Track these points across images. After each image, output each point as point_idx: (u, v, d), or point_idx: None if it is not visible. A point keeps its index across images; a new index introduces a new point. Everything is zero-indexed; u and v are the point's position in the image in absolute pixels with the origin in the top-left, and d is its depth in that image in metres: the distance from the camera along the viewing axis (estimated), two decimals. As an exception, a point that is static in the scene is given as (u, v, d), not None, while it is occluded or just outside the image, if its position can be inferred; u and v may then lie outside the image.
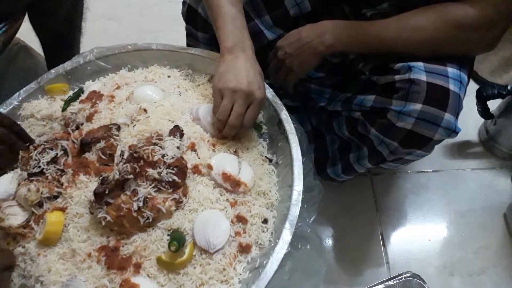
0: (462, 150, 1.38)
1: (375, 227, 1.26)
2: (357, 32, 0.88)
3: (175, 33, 1.34)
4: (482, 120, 1.34)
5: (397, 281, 1.11)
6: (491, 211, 1.25)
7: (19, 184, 0.80)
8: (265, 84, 0.87)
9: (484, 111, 1.26)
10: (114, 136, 0.81)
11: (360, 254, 1.20)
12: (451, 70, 0.82)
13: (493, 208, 1.25)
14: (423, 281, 1.10)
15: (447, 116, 0.79)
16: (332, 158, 1.16)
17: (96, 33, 1.74)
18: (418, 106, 0.79)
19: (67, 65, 1.01)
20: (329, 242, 1.23)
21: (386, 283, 1.10)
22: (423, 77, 0.80)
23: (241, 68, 0.82)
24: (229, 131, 0.84)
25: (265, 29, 1.05)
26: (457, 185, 1.31)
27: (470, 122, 1.41)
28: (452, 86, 0.80)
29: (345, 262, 1.19)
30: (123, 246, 0.72)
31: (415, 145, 0.86)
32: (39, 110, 0.96)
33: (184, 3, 1.07)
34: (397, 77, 0.84)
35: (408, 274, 1.12)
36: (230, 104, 0.81)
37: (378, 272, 1.18)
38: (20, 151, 0.82)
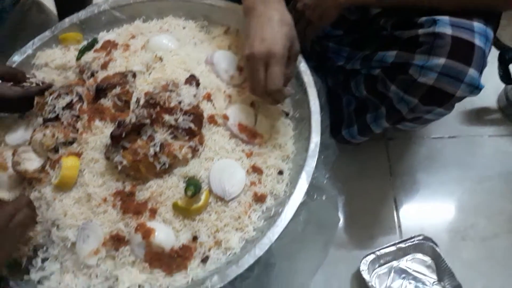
0: (480, 116, 1.35)
1: (388, 192, 1.24)
2: None
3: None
4: (502, 86, 1.31)
5: (409, 243, 1.10)
6: (507, 178, 1.23)
7: (34, 130, 0.79)
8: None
9: (505, 76, 1.23)
10: (130, 83, 0.80)
11: (372, 217, 1.20)
12: (477, 25, 0.79)
13: (510, 175, 1.23)
14: (435, 244, 1.10)
15: (471, 71, 0.77)
16: (347, 119, 1.14)
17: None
18: (441, 60, 0.77)
19: (81, 14, 0.99)
20: (341, 204, 1.22)
21: (398, 245, 1.10)
22: (448, 30, 0.77)
23: (256, 28, 0.74)
24: (262, 98, 0.78)
25: None
26: (474, 151, 1.29)
27: (489, 88, 1.36)
28: (477, 41, 0.77)
29: (357, 225, 1.18)
30: (138, 192, 0.72)
31: (436, 102, 0.83)
32: (53, 59, 0.94)
33: None
34: (420, 31, 0.81)
35: (420, 237, 1.12)
36: (251, 72, 0.74)
37: (389, 236, 1.17)
38: (36, 97, 0.81)
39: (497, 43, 1.46)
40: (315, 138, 0.77)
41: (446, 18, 0.78)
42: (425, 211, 1.21)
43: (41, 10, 1.45)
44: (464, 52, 0.76)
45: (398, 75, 0.86)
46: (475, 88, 0.78)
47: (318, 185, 0.74)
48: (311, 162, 0.74)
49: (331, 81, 1.22)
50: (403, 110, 0.89)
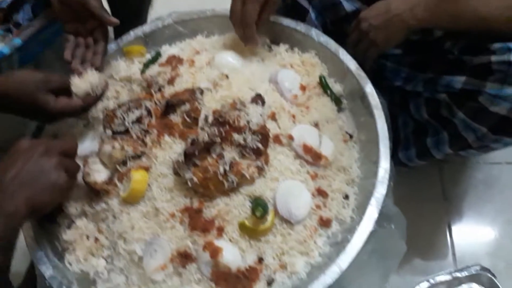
0: (540, 143, 1.30)
1: (442, 217, 1.21)
2: (455, 7, 0.81)
3: None
4: None
5: (466, 273, 1.06)
6: None
7: (103, 142, 0.81)
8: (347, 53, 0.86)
9: None
10: (199, 100, 0.80)
11: (425, 242, 1.17)
12: None
13: None
14: (493, 275, 1.05)
15: None
16: (404, 141, 1.11)
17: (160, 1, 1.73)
18: None
19: (146, 28, 1.00)
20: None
21: (453, 274, 1.06)
22: None
23: None
24: (237, 30, 0.89)
25: (344, 1, 1.00)
26: (534, 179, 1.24)
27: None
28: None
29: (410, 250, 1.13)
30: (206, 209, 0.72)
31: (507, 132, 0.80)
32: (118, 71, 0.96)
33: None
34: (493, 58, 0.78)
35: (477, 267, 1.07)
36: (232, 4, 0.86)
37: (443, 262, 1.14)
38: (105, 110, 0.83)
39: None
40: (385, 164, 0.75)
41: None
42: (481, 239, 1.17)
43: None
44: None
45: (467, 102, 0.84)
46: None
47: (387, 212, 0.72)
48: (381, 189, 0.72)
49: (387, 101, 1.19)
50: (469, 138, 0.86)
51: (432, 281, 1.05)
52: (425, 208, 1.21)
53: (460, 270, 1.07)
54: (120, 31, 1.04)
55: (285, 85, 0.87)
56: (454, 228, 1.18)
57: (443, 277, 1.06)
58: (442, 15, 0.82)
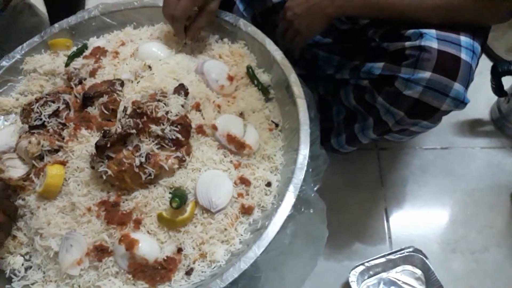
0: (473, 128, 1.35)
1: (380, 202, 1.24)
2: None
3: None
4: (495, 98, 1.31)
5: (399, 255, 1.10)
6: (498, 191, 1.23)
7: (20, 137, 0.78)
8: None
9: (498, 88, 1.23)
10: (118, 92, 0.79)
11: (362, 228, 1.19)
12: (464, 39, 0.78)
13: (501, 188, 1.23)
14: (425, 256, 1.09)
15: (456, 86, 0.76)
16: (337, 128, 1.13)
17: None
18: (427, 74, 0.76)
19: (71, 19, 0.98)
20: (331, 214, 1.22)
21: (387, 257, 1.10)
22: (434, 44, 0.77)
23: None
24: (168, 22, 0.89)
25: None
26: (465, 163, 1.29)
27: (482, 100, 1.37)
28: (464, 55, 0.77)
29: (347, 235, 1.18)
30: (123, 202, 0.71)
31: (422, 115, 0.83)
32: (41, 65, 0.94)
33: None
34: (407, 43, 0.80)
35: (410, 249, 1.11)
36: None
37: (380, 247, 1.17)
38: (23, 104, 0.81)
39: (490, 54, 1.47)
40: (304, 150, 0.76)
41: (433, 31, 0.78)
42: (416, 222, 1.21)
43: (33, 13, 1.43)
44: (450, 67, 0.76)
45: (385, 87, 0.86)
46: (461, 103, 0.78)
47: (306, 198, 0.73)
48: (299, 175, 0.73)
49: (322, 90, 1.21)
50: (389, 122, 0.88)
51: (367, 264, 1.08)
52: (364, 194, 1.24)
53: (394, 253, 1.10)
54: (57, 21, 1.01)
55: (211, 75, 0.86)
56: (391, 213, 1.22)
57: (378, 260, 1.09)
58: (358, 3, 0.84)
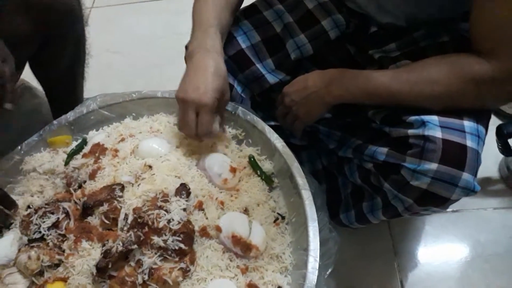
0: (483, 187, 1.30)
1: (394, 273, 1.19)
2: (366, 83, 0.82)
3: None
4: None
5: (420, 335, 1.04)
6: (517, 255, 1.18)
7: (19, 250, 0.76)
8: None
9: (504, 148, 1.20)
10: (118, 198, 0.77)
11: (378, 303, 1.14)
12: (467, 124, 0.76)
13: (519, 251, 1.18)
14: (448, 335, 1.03)
15: (465, 175, 0.74)
16: (345, 202, 1.10)
17: (101, 67, 1.71)
18: (433, 166, 0.74)
19: (70, 115, 0.97)
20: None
21: (408, 338, 1.04)
22: (438, 133, 0.75)
23: (191, 75, 0.82)
24: (192, 140, 0.88)
25: (266, 73, 1.01)
26: (479, 226, 1.24)
27: (490, 158, 1.35)
28: (469, 142, 0.75)
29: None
30: (127, 323, 0.67)
31: (431, 203, 0.81)
32: (41, 164, 0.92)
33: None
34: (410, 132, 0.78)
35: (432, 326, 1.05)
36: (182, 114, 0.83)
37: (399, 323, 1.11)
38: (22, 215, 0.79)
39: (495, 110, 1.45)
40: (314, 251, 0.73)
41: (435, 118, 0.76)
42: (434, 294, 1.15)
43: (33, 95, 1.45)
44: (457, 156, 0.74)
45: (391, 174, 0.84)
46: (471, 191, 0.76)
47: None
48: (312, 280, 0.70)
49: (325, 161, 1.19)
50: (398, 207, 0.86)
51: None
52: (376, 265, 1.19)
53: (415, 332, 1.04)
54: (57, 110, 1.01)
55: (213, 170, 0.85)
56: (407, 284, 1.16)
57: None
58: (356, 92, 0.83)
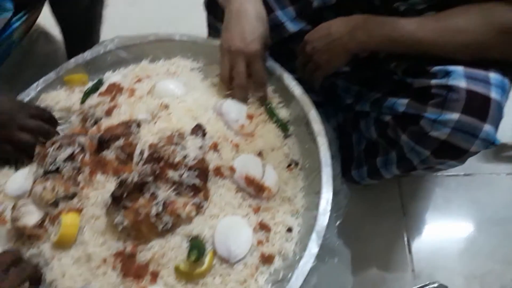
0: (497, 153, 1.30)
1: (401, 233, 1.20)
2: (392, 30, 0.80)
3: (197, 21, 1.28)
4: (520, 122, 1.26)
5: (424, 291, 1.06)
6: (526, 220, 1.18)
7: (34, 181, 0.77)
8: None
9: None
10: (134, 134, 0.77)
11: (384, 260, 1.15)
12: (493, 76, 0.74)
13: (529, 217, 1.18)
14: (451, 292, 1.04)
15: (487, 127, 0.73)
16: (357, 159, 1.10)
17: (116, 19, 1.68)
18: (455, 116, 0.73)
19: (87, 54, 0.97)
20: (351, 245, 1.18)
21: (412, 293, 1.05)
22: (462, 83, 0.73)
23: (233, 23, 0.80)
24: (238, 93, 0.85)
25: (287, 21, 0.98)
26: (491, 190, 1.24)
27: (506, 124, 1.30)
28: (493, 94, 0.73)
29: (368, 268, 1.13)
30: (140, 253, 0.68)
31: (449, 156, 0.79)
32: (57, 102, 0.92)
33: None
34: (433, 81, 0.76)
35: (435, 285, 1.06)
36: (228, 63, 0.82)
37: (402, 280, 1.12)
38: (37, 147, 0.79)
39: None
40: (326, 194, 0.73)
41: (460, 69, 0.74)
42: (440, 254, 1.16)
43: (48, 40, 1.44)
44: (480, 107, 0.72)
45: (409, 125, 0.83)
46: (491, 144, 0.74)
47: (330, 246, 0.70)
48: (322, 221, 0.70)
49: (341, 117, 1.18)
50: (414, 160, 0.85)
51: (391, 301, 1.04)
52: (384, 224, 1.20)
53: (419, 288, 1.06)
54: (73, 55, 1.00)
55: (231, 115, 0.84)
56: (413, 244, 1.17)
57: (402, 296, 1.05)
58: (381, 39, 0.80)
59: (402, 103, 0.83)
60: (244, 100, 0.87)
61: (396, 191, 1.26)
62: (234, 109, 0.84)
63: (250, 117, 0.85)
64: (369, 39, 0.81)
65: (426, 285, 1.06)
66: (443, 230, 1.19)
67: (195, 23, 1.23)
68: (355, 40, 0.83)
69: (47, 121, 0.84)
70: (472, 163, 1.27)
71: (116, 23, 1.62)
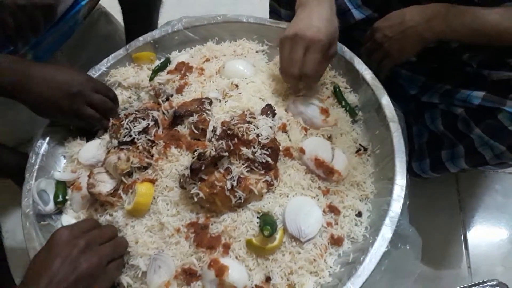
0: None
1: (458, 228, 1.17)
2: (473, 21, 0.77)
3: (251, 6, 1.28)
4: None
5: (482, 289, 1.02)
6: None
7: (108, 152, 0.79)
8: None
9: None
10: (207, 111, 0.78)
11: (440, 255, 1.13)
12: None
13: None
14: (511, 292, 1.01)
15: None
16: (418, 151, 1.07)
17: (171, 2, 1.71)
18: None
19: (156, 33, 0.98)
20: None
21: (469, 290, 1.03)
22: None
23: (303, 17, 0.76)
24: (287, 79, 0.80)
25: (353, 8, 0.96)
26: (554, 190, 1.19)
27: None
28: None
29: (424, 263, 1.11)
30: (212, 224, 0.70)
31: None
32: (126, 78, 0.95)
33: None
34: None
35: (494, 282, 1.03)
36: (288, 51, 0.76)
37: (459, 276, 1.10)
38: (111, 119, 0.82)
39: None
40: (401, 181, 0.72)
41: None
42: (498, 252, 1.13)
43: (108, 21, 1.47)
44: None
45: (485, 119, 0.80)
46: None
47: (403, 233, 0.69)
48: (396, 208, 0.69)
49: (402, 108, 1.15)
50: (487, 155, 0.82)
51: (446, 297, 1.02)
52: (441, 218, 1.17)
53: (476, 285, 1.03)
54: (131, 34, 1.02)
55: (308, 113, 0.82)
56: (470, 240, 1.14)
57: (459, 293, 1.02)
58: (461, 29, 0.77)
59: (477, 96, 0.80)
60: (295, 91, 0.83)
61: (453, 187, 1.23)
62: (308, 106, 0.82)
63: (324, 111, 0.82)
64: (448, 29, 0.79)
65: (485, 282, 1.02)
66: (502, 228, 1.16)
67: (248, 8, 1.23)
68: (431, 30, 0.80)
69: (111, 99, 0.86)
70: (535, 161, 1.23)
71: (171, 5, 1.64)
